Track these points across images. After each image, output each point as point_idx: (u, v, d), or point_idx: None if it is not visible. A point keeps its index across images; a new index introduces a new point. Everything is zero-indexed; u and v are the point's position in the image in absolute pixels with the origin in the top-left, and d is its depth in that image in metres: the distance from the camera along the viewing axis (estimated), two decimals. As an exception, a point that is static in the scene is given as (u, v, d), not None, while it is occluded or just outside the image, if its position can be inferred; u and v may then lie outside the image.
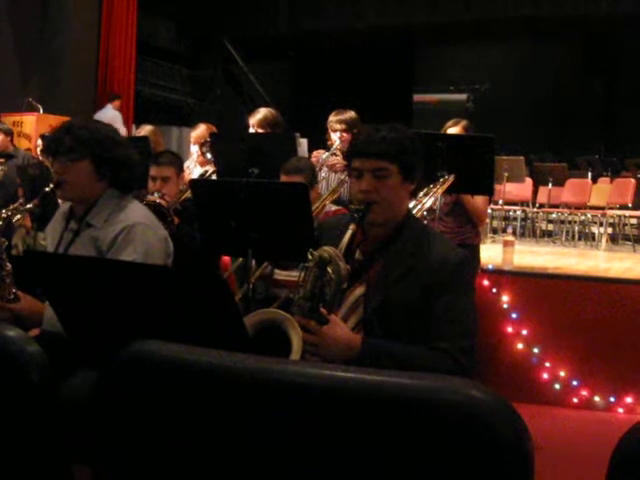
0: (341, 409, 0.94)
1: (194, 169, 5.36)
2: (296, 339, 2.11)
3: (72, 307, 1.99)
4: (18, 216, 2.80)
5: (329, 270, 2.11)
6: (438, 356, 2.18)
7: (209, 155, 4.71)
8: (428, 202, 3.65)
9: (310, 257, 2.13)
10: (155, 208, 3.56)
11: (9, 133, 7.53)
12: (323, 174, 4.57)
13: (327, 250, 2.13)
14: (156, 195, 3.83)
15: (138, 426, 1.05)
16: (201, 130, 5.57)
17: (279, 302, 3.56)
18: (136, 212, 2.76)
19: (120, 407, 1.05)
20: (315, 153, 4.67)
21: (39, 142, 6.97)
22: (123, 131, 6.10)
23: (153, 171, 3.97)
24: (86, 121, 2.85)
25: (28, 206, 2.84)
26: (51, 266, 2.03)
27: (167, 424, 1.03)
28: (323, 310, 2.15)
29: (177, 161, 4.14)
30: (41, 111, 8.71)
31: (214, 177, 4.57)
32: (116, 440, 1.07)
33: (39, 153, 6.88)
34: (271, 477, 0.98)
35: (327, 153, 4.56)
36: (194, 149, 5.50)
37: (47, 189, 2.77)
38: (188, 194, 3.91)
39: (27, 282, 2.68)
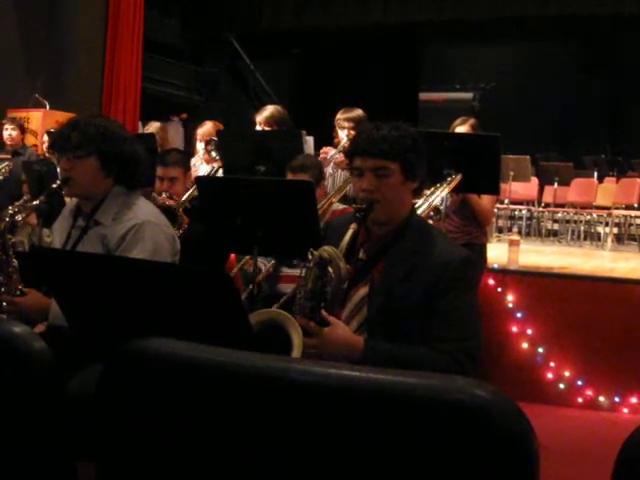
0: (346, 408, 0.94)
1: (200, 166, 5.36)
2: (297, 339, 2.11)
3: (78, 303, 1.99)
4: (20, 216, 2.80)
5: (329, 270, 2.10)
6: (440, 358, 2.18)
7: (214, 153, 4.72)
8: (435, 201, 3.64)
9: (310, 257, 2.13)
10: (165, 210, 3.56)
11: (23, 130, 7.53)
12: (330, 170, 4.58)
13: (327, 250, 2.13)
14: (164, 195, 3.83)
15: (142, 423, 1.05)
16: (207, 127, 5.59)
17: (282, 301, 3.56)
18: (144, 210, 2.76)
19: (123, 404, 1.06)
20: (324, 149, 4.68)
21: (45, 138, 6.99)
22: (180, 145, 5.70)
23: (160, 171, 3.96)
24: (93, 117, 2.84)
25: (35, 203, 2.83)
26: (57, 263, 2.03)
27: (171, 422, 1.03)
28: (324, 311, 2.15)
29: (184, 160, 4.13)
30: (47, 107, 8.71)
31: (220, 174, 4.58)
32: (120, 437, 1.07)
33: (45, 149, 6.90)
34: (275, 476, 0.99)
35: (335, 150, 4.57)
36: (200, 146, 5.51)
37: (54, 186, 2.77)
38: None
39: (33, 279, 2.69)
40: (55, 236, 2.91)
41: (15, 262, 2.68)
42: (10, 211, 2.75)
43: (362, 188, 2.31)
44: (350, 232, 2.23)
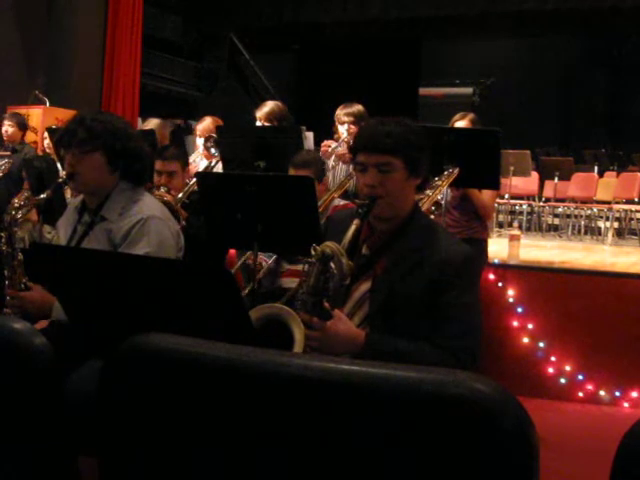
0: (345, 402, 0.95)
1: (200, 162, 5.36)
2: (298, 334, 2.11)
3: (78, 300, 1.99)
4: (24, 210, 2.80)
5: (332, 265, 2.10)
6: (440, 353, 2.18)
7: (213, 150, 4.72)
8: (433, 196, 3.64)
9: (313, 252, 2.12)
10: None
11: (22, 127, 7.46)
12: (332, 163, 4.58)
13: (330, 245, 2.12)
14: (162, 190, 3.84)
15: (142, 419, 1.05)
16: (207, 123, 5.58)
17: (286, 297, 3.55)
18: (150, 205, 2.77)
19: (124, 399, 1.06)
20: (326, 142, 4.68)
21: (45, 135, 6.97)
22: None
23: (159, 165, 3.97)
24: (99, 113, 2.85)
25: (42, 196, 2.84)
26: (58, 259, 2.03)
27: (172, 417, 1.04)
28: (326, 305, 2.15)
29: (182, 155, 4.15)
30: (47, 104, 8.70)
31: (219, 168, 4.58)
32: (121, 433, 1.07)
33: (46, 146, 6.89)
34: (277, 471, 0.99)
35: (336, 144, 4.58)
36: (200, 142, 5.50)
37: (60, 180, 2.78)
38: (195, 187, 3.92)
39: (34, 275, 2.68)
40: (60, 232, 2.91)
41: (20, 256, 2.68)
42: (16, 204, 2.75)
43: (365, 183, 2.31)
44: (353, 228, 2.23)
